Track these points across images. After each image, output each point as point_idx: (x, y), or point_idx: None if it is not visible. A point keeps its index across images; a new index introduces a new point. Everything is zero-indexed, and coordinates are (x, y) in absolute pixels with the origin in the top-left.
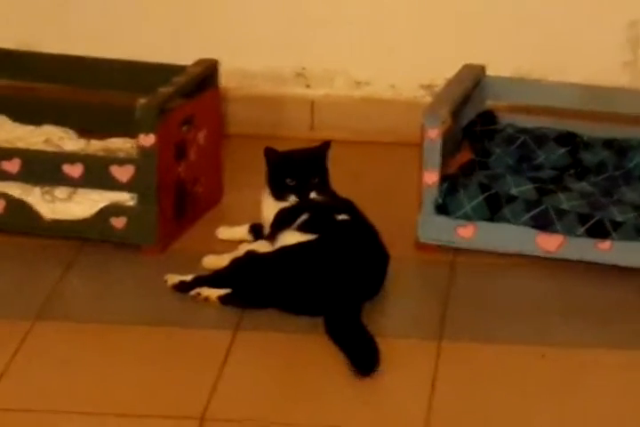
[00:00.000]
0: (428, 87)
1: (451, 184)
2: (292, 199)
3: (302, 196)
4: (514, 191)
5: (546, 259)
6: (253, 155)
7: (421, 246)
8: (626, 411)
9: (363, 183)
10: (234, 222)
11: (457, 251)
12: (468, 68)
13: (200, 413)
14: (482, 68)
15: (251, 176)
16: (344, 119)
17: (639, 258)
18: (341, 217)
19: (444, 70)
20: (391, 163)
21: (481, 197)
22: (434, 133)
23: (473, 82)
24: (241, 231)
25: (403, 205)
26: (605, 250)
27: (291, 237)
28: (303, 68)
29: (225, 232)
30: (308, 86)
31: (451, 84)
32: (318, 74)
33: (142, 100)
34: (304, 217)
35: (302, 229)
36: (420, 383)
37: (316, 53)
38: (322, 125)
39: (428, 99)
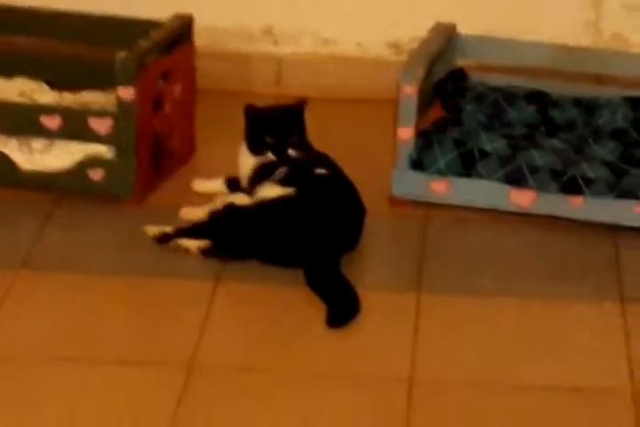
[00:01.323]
0: (395, 46)
1: (425, 140)
2: (270, 156)
3: (280, 152)
4: (487, 147)
5: (519, 214)
6: (221, 110)
7: (395, 201)
8: (603, 357)
9: (332, 139)
10: (207, 176)
11: (430, 206)
12: (440, 26)
13: (186, 360)
14: (453, 27)
15: (220, 131)
16: (310, 76)
17: (610, 214)
18: (319, 171)
19: (410, 29)
20: (358, 120)
21: (455, 153)
22: (410, 90)
23: (445, 40)
24: (216, 184)
25: (373, 160)
26: (578, 206)
27: (270, 190)
28: (271, 26)
29: (200, 185)
30: (275, 43)
31: (424, 41)
32: (286, 31)
33: (122, 54)
34: (283, 170)
35: (281, 182)
36: (401, 334)
37: (284, 11)
38: (288, 82)
39: (394, 57)
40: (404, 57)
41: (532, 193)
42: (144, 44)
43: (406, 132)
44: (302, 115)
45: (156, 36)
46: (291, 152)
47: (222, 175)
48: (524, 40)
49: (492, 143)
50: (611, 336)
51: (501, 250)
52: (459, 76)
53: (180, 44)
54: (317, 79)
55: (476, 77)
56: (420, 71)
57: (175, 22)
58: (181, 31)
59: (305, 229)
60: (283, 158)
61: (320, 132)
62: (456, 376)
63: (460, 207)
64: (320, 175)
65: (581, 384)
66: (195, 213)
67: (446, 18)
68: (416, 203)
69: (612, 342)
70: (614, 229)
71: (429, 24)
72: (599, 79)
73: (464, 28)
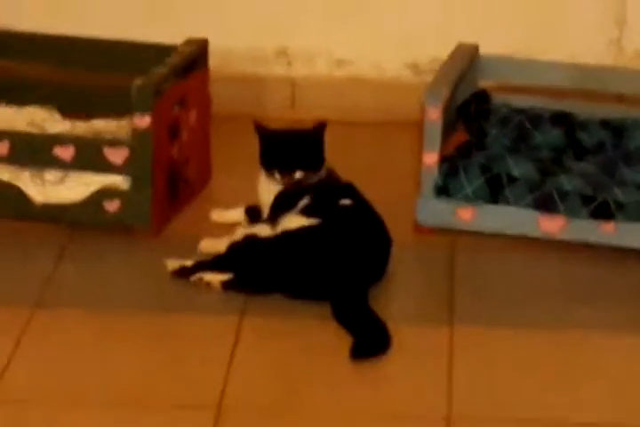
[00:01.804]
0: (413, 66)
1: (451, 165)
2: (277, 176)
3: (286, 174)
4: (515, 172)
5: (548, 241)
6: (236, 135)
7: (420, 229)
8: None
9: (351, 164)
10: (224, 204)
11: (457, 233)
12: (462, 46)
13: (216, 401)
14: (475, 47)
15: (235, 157)
16: (326, 99)
17: None
18: (344, 201)
19: (429, 49)
20: (377, 143)
21: (482, 179)
22: (435, 114)
23: (468, 61)
24: (236, 214)
25: (395, 186)
26: (609, 232)
27: (293, 221)
28: (285, 47)
29: (219, 215)
30: (289, 65)
31: (447, 63)
32: (300, 53)
33: (138, 81)
34: (306, 200)
35: (305, 212)
36: (436, 370)
37: (298, 32)
38: (303, 105)
39: (413, 78)
40: (423, 78)
41: (562, 219)
42: (160, 70)
43: (431, 158)
44: (320, 138)
45: (172, 62)
46: (298, 175)
47: (240, 204)
48: (544, 60)
49: (520, 168)
50: None
51: (530, 278)
52: (482, 97)
53: (194, 68)
54: (332, 101)
55: (498, 99)
56: (445, 93)
57: (189, 46)
58: (196, 56)
59: (330, 261)
60: (288, 181)
61: (338, 157)
62: (494, 414)
63: (487, 235)
64: (345, 205)
65: (624, 421)
66: (215, 246)
67: (465, 37)
68: (442, 230)
69: None
70: None
71: (448, 44)
72: (621, 99)
73: (484, 48)
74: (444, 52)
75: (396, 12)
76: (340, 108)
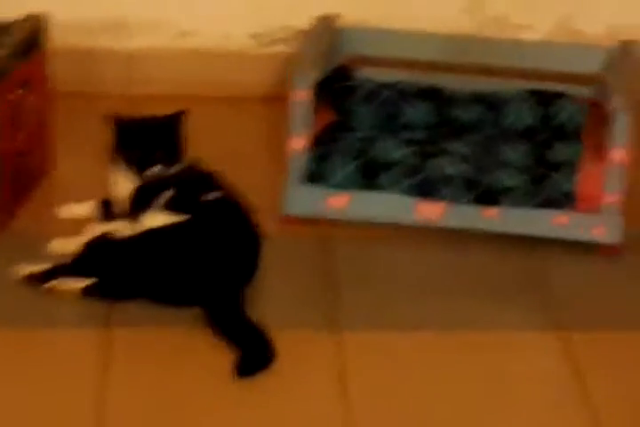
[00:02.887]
0: (258, 36)
1: (321, 150)
2: (135, 170)
3: (144, 169)
4: (391, 156)
5: (430, 229)
6: (75, 117)
7: (287, 220)
8: (546, 391)
9: (203, 146)
10: (71, 195)
11: (329, 224)
12: (322, 18)
13: None
14: (334, 19)
15: (78, 142)
16: (168, 73)
17: (528, 225)
18: (212, 195)
19: (274, 19)
20: (229, 122)
21: (355, 164)
22: (303, 95)
23: (330, 34)
24: (86, 208)
25: (255, 171)
26: (492, 217)
27: (157, 218)
28: (125, 18)
29: (68, 210)
30: (130, 38)
31: (309, 37)
32: (141, 24)
33: None
34: (168, 194)
35: (169, 208)
36: (328, 381)
37: (139, 2)
38: (144, 80)
39: (258, 49)
40: (270, 49)
41: (442, 205)
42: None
43: (299, 142)
44: (175, 128)
45: (11, 42)
46: (154, 169)
47: (90, 195)
48: (408, 30)
49: (396, 151)
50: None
51: (415, 271)
52: (344, 74)
53: (33, 48)
54: (175, 75)
55: (360, 74)
56: (314, 74)
57: (26, 23)
58: (36, 33)
59: (200, 263)
60: (145, 176)
61: (192, 139)
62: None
63: (364, 224)
64: (212, 199)
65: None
66: (66, 247)
67: (315, 7)
68: (311, 221)
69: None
70: (533, 241)
71: (295, 13)
72: (490, 70)
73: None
74: (291, 21)
75: None
76: (183, 82)
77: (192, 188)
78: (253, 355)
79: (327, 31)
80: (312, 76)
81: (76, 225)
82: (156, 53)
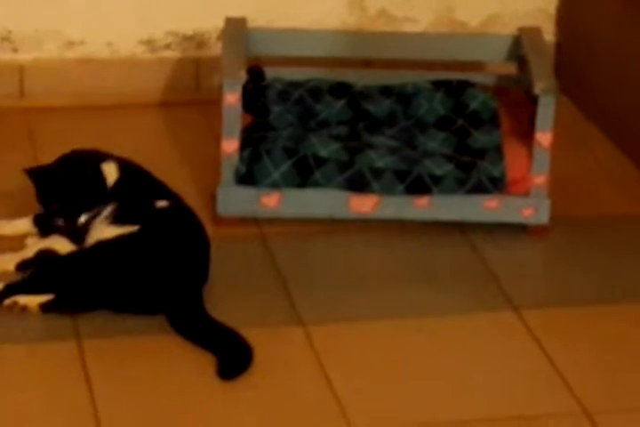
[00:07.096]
0: (148, 42)
1: (252, 151)
2: (61, 223)
3: (70, 220)
4: (322, 153)
5: (364, 222)
6: None
7: (221, 221)
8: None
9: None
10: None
11: (262, 223)
12: (231, 21)
13: None
14: (243, 21)
15: None
16: (58, 84)
17: (460, 211)
18: (161, 203)
19: (161, 25)
20: (125, 128)
21: (289, 163)
22: (234, 98)
23: (243, 36)
24: (23, 224)
25: (177, 174)
26: (423, 206)
27: (106, 231)
28: (8, 31)
29: (4, 227)
30: (15, 51)
31: (228, 40)
32: (25, 37)
33: None
34: (111, 208)
35: (118, 220)
36: (310, 371)
37: (22, 14)
38: (34, 92)
39: (149, 55)
40: (160, 54)
41: (374, 198)
42: None
43: (231, 144)
44: (90, 170)
45: None
46: (83, 218)
47: (21, 210)
48: (312, 29)
49: (326, 148)
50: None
51: (356, 264)
52: (256, 74)
53: None
54: (66, 86)
55: (269, 73)
56: (243, 76)
57: None
58: None
59: (158, 270)
60: (74, 227)
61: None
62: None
63: (294, 221)
64: (162, 207)
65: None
66: (3, 265)
67: (202, 10)
68: (246, 221)
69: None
70: (465, 227)
71: (181, 17)
72: (369, 63)
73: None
74: (177, 27)
75: None
76: (74, 93)
77: (139, 197)
78: (233, 357)
79: (240, 33)
80: (241, 77)
81: (13, 242)
82: (45, 65)
